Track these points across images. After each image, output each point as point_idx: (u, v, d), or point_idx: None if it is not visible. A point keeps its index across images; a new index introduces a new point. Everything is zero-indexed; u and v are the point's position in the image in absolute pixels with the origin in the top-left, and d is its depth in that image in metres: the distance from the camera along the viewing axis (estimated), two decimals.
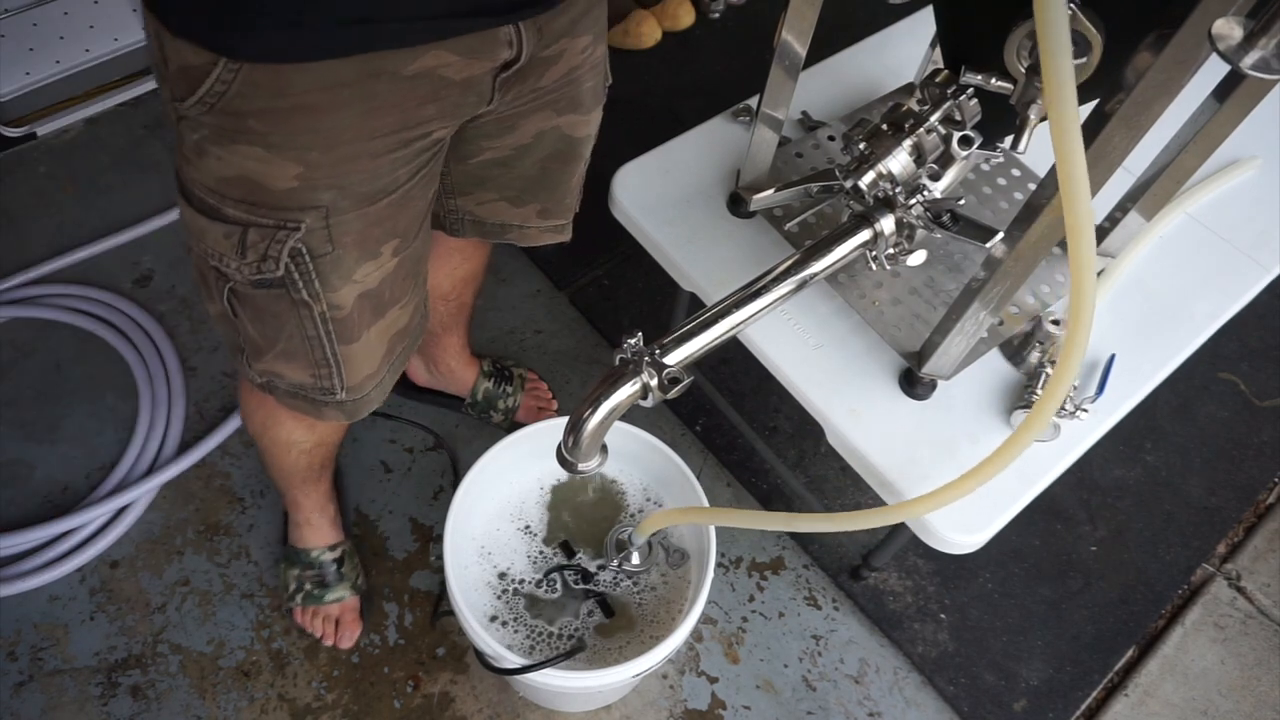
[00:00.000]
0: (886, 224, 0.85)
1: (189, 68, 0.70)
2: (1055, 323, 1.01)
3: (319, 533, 1.34)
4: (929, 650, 1.42)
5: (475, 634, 1.02)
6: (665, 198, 1.13)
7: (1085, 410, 0.98)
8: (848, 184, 0.88)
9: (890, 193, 0.85)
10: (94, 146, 1.81)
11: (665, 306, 1.62)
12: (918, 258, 0.91)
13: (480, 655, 1.06)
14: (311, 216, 0.79)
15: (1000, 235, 0.82)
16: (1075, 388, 0.98)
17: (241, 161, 0.75)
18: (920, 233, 0.87)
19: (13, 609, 1.34)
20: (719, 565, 1.46)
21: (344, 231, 0.81)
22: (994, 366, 1.05)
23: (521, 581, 1.15)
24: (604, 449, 0.88)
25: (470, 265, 1.29)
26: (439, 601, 1.39)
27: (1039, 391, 0.98)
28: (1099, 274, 1.09)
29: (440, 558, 1.30)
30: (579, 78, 0.93)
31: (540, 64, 0.87)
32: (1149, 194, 1.00)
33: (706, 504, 1.09)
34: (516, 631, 1.12)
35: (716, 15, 2.15)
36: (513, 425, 1.52)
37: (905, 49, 1.30)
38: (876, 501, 1.48)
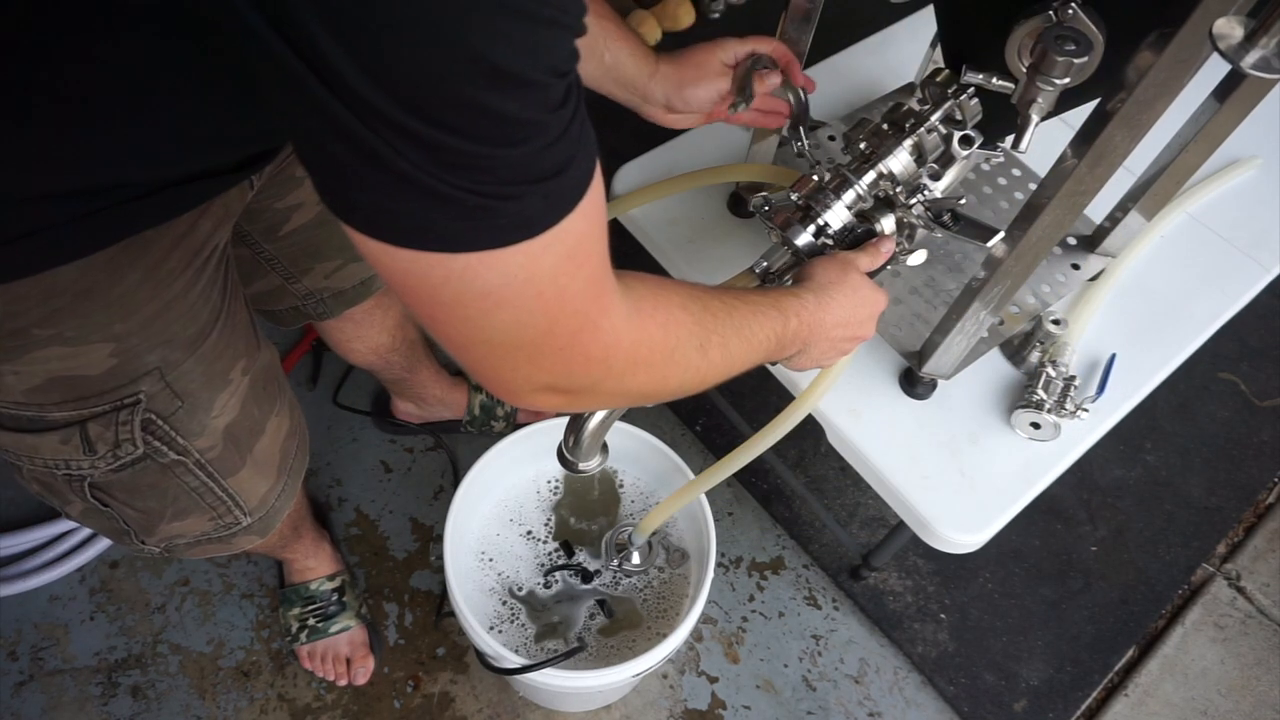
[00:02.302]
0: (887, 223, 0.85)
1: None
2: (1056, 322, 1.01)
3: (316, 566, 1.32)
4: (929, 650, 1.42)
5: (475, 634, 1.02)
6: (666, 197, 1.12)
7: (1085, 410, 0.98)
8: None
9: (891, 192, 0.85)
10: None
11: None
12: (918, 257, 0.91)
13: (481, 655, 1.06)
14: (147, 383, 0.71)
15: (1001, 235, 0.82)
16: (1076, 387, 0.98)
17: (43, 367, 0.66)
18: (921, 232, 0.87)
19: (13, 609, 1.34)
20: (719, 565, 1.46)
21: (187, 381, 0.74)
22: (994, 366, 1.05)
23: (522, 581, 1.15)
24: (604, 448, 0.88)
25: (396, 308, 1.20)
26: (441, 602, 1.39)
27: (1039, 391, 0.98)
28: (1100, 274, 1.09)
29: (440, 557, 1.30)
30: None
31: None
32: (1149, 194, 1.00)
33: (706, 504, 1.09)
34: (517, 632, 1.12)
35: (717, 15, 2.14)
36: (516, 429, 1.52)
37: (906, 48, 1.30)
38: (877, 501, 1.48)
